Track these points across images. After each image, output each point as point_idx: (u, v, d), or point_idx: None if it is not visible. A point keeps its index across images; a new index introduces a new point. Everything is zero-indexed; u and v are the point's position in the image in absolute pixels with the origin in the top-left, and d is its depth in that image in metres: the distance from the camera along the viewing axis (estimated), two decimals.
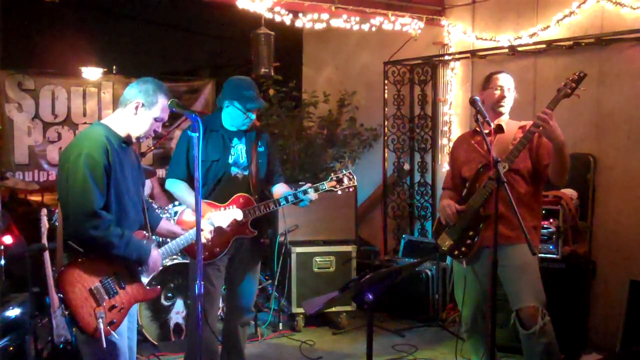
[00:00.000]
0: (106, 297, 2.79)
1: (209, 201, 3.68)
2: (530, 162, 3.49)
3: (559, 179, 3.39)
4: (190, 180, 3.72)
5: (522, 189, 3.49)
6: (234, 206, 3.51)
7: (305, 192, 3.67)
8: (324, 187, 3.71)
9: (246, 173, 3.77)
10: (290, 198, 3.67)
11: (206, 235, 3.26)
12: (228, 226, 3.42)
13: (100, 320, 2.72)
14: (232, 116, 3.74)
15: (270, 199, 3.80)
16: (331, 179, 3.73)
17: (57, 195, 3.05)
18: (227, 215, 3.39)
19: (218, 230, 3.39)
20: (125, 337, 2.92)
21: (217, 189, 3.72)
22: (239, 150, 3.79)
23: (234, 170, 3.75)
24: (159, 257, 3.02)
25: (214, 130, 3.75)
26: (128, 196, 2.89)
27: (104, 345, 2.71)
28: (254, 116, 3.75)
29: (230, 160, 3.74)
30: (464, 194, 3.65)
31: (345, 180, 3.73)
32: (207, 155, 3.67)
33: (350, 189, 3.79)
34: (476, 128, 3.63)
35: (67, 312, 2.73)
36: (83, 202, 2.70)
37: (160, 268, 3.10)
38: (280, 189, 3.88)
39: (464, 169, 3.69)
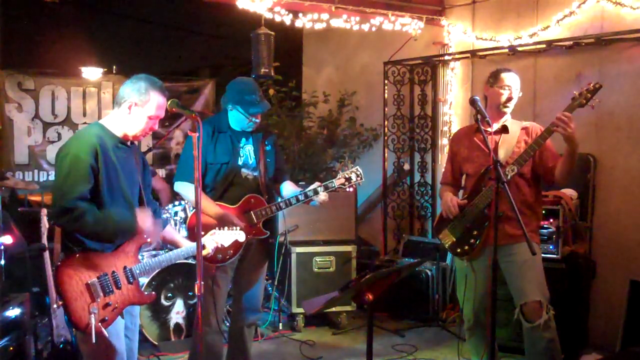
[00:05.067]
0: (101, 294, 2.78)
1: (221, 203, 3.68)
2: (532, 164, 3.52)
3: (566, 178, 3.45)
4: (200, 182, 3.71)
5: (526, 191, 3.53)
6: (245, 226, 3.53)
7: (315, 192, 3.68)
8: (333, 185, 3.74)
9: (256, 174, 3.78)
10: (301, 197, 3.69)
11: (208, 251, 3.23)
12: (229, 246, 3.37)
13: (92, 316, 2.72)
14: (237, 119, 3.74)
15: (277, 198, 3.81)
16: (340, 176, 3.77)
17: None
18: (231, 235, 3.36)
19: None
20: (122, 337, 2.91)
21: (228, 191, 3.72)
22: (247, 151, 3.79)
23: (244, 172, 3.76)
24: (147, 215, 2.90)
25: (222, 132, 3.74)
26: (123, 197, 2.88)
27: (94, 341, 2.71)
28: (258, 120, 3.75)
29: (240, 162, 3.75)
30: (467, 193, 3.66)
31: (354, 176, 3.78)
32: (216, 157, 3.68)
33: (359, 184, 3.83)
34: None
35: (61, 303, 2.73)
36: (59, 197, 2.73)
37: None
38: (288, 187, 3.89)
39: (466, 166, 3.71)
